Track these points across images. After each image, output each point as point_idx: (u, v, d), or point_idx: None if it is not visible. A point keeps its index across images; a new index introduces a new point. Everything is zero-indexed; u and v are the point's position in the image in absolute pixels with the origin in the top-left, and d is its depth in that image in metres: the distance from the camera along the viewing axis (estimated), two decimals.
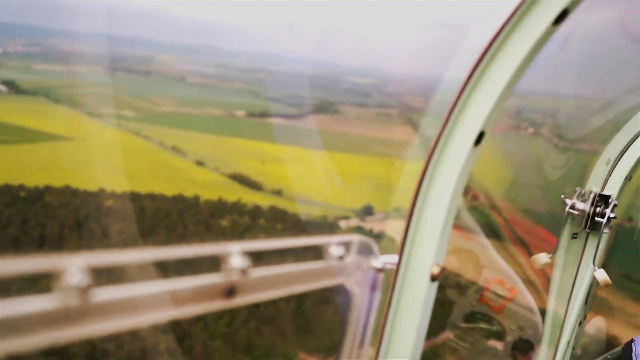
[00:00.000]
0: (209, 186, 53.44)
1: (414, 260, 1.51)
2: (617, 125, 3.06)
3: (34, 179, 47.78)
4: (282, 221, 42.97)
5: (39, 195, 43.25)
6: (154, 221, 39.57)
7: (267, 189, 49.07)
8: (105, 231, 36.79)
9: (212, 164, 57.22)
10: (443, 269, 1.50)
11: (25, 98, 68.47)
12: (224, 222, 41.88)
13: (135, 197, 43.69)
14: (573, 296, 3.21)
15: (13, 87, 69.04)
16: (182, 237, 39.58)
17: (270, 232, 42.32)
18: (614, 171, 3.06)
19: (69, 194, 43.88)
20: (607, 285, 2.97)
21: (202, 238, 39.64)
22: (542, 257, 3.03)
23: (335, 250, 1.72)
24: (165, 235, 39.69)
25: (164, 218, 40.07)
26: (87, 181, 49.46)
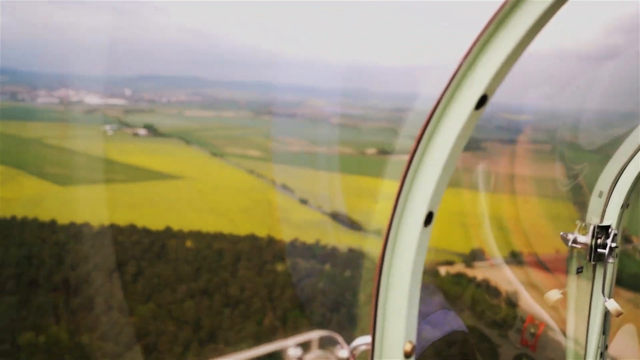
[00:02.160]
0: (303, 226, 46.71)
1: (387, 339, 1.50)
2: (605, 157, 3.13)
3: (116, 217, 44.27)
4: (354, 267, 34.07)
5: (103, 232, 38.77)
6: (197, 263, 32.66)
7: (369, 229, 39.90)
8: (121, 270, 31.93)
9: (317, 202, 51.07)
10: (415, 347, 1.48)
11: (161, 140, 69.97)
12: (279, 267, 33.61)
13: (197, 237, 38.34)
14: (590, 328, 3.13)
15: (152, 131, 71.22)
16: (220, 282, 32.50)
17: (333, 279, 33.58)
18: (609, 202, 3.04)
19: (131, 232, 39.27)
20: (619, 315, 2.98)
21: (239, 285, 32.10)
22: (554, 294, 3.07)
23: (293, 352, 1.82)
24: (203, 280, 32.18)
25: (206, 260, 33.26)
26: (167, 219, 45.87)
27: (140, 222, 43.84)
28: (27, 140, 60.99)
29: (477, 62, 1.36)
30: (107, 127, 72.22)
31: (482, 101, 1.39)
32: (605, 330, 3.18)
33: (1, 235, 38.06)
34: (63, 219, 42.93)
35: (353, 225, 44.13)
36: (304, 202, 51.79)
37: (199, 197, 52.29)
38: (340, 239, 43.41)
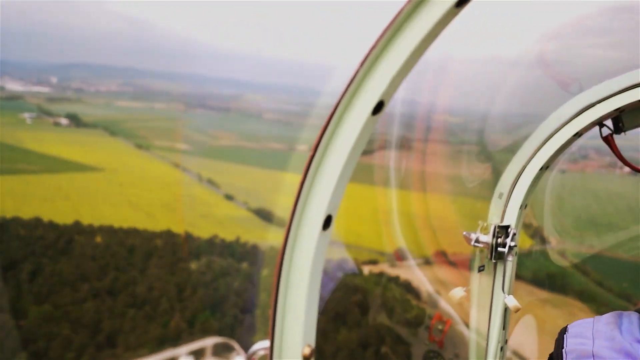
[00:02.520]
0: (225, 222, 45.17)
1: (286, 343, 1.49)
2: (506, 160, 3.28)
3: (29, 211, 41.25)
4: (274, 265, 32.71)
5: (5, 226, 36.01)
6: (105, 260, 30.37)
7: None
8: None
9: (243, 197, 49.73)
10: (314, 350, 1.49)
11: (84, 131, 66.70)
12: (193, 266, 31.91)
13: (108, 232, 36.02)
14: (491, 324, 3.23)
15: (75, 120, 67.90)
16: (127, 280, 30.36)
17: (250, 278, 32.27)
18: (509, 202, 3.16)
19: (34, 226, 36.42)
20: (517, 310, 3.09)
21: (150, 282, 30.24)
22: (458, 292, 3.10)
23: None
24: (108, 279, 29.98)
25: (115, 257, 31.02)
26: (80, 213, 43.12)
27: (47, 216, 41.09)
28: None
29: (374, 68, 1.40)
30: (26, 115, 68.55)
31: (379, 107, 1.43)
32: (505, 325, 3.32)
33: None
34: None
35: (277, 221, 42.82)
36: (229, 197, 50.64)
37: (118, 190, 49.74)
38: (263, 237, 42.16)
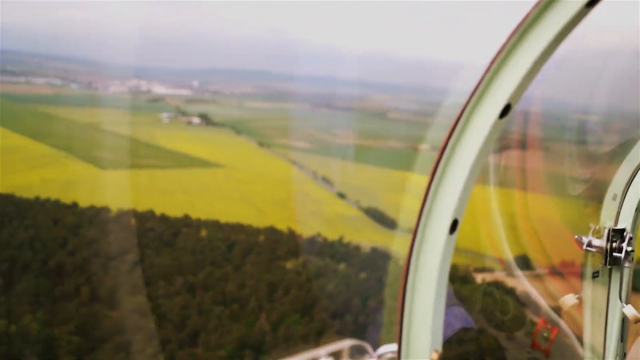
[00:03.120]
0: (333, 221, 43.29)
1: (413, 348, 1.52)
2: (618, 161, 3.13)
3: (146, 203, 43.13)
4: (373, 268, 30.19)
5: (120, 217, 37.72)
6: (203, 255, 30.37)
7: (404, 227, 36.33)
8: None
9: (355, 196, 47.36)
10: (441, 356, 1.51)
11: (213, 129, 69.23)
12: (289, 265, 30.65)
13: (214, 226, 36.28)
14: (607, 335, 3.07)
15: (205, 120, 70.85)
16: (220, 276, 30.00)
17: (346, 280, 30.13)
18: (623, 204, 3.00)
19: (147, 218, 37.74)
20: (637, 321, 2.92)
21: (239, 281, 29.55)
22: (570, 299, 2.98)
23: None
24: (204, 272, 29.85)
25: (213, 252, 30.93)
26: (193, 207, 44.14)
27: (162, 209, 42.11)
28: (84, 125, 61.55)
29: (501, 71, 1.40)
30: (164, 115, 72.40)
31: (506, 110, 1.44)
32: (623, 337, 3.11)
33: (17, 215, 37.49)
34: (85, 201, 42.11)
35: (388, 222, 40.26)
36: (341, 195, 49.02)
37: (234, 186, 50.20)
38: (369, 237, 39.70)
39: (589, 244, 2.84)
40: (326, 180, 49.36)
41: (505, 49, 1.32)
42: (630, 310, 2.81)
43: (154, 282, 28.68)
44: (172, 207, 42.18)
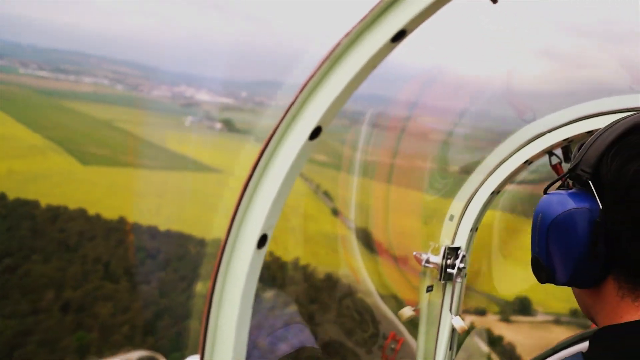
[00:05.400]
0: (311, 240, 35.90)
1: (216, 358, 1.55)
2: (457, 184, 3.43)
3: (96, 202, 37.84)
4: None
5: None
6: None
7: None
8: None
9: (351, 214, 39.10)
10: None
11: (233, 135, 65.26)
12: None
13: (148, 233, 31.29)
14: (438, 344, 3.32)
15: (228, 126, 67.26)
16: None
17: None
18: (460, 225, 3.26)
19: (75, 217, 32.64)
20: (463, 332, 3.19)
21: None
22: (407, 311, 3.21)
23: None
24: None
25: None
26: (157, 212, 39.22)
27: (109, 210, 36.75)
28: (96, 121, 57.28)
29: (313, 94, 1.46)
30: (187, 119, 67.74)
31: (316, 132, 1.49)
32: (452, 345, 3.29)
33: None
34: (41, 196, 37.19)
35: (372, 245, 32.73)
36: (335, 212, 40.67)
37: (220, 192, 43.54)
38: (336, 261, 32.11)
39: (427, 261, 3.06)
40: (326, 195, 42.70)
41: (317, 74, 1.40)
42: (457, 322, 3.10)
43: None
44: (125, 209, 36.35)
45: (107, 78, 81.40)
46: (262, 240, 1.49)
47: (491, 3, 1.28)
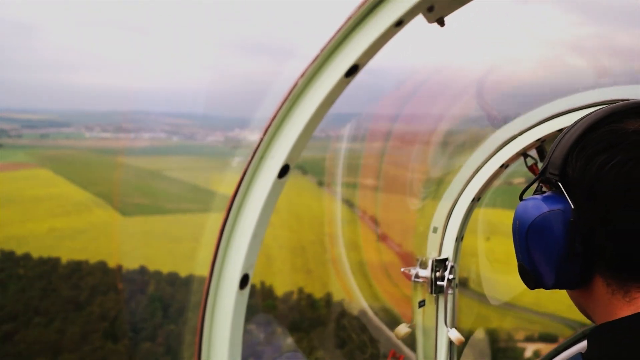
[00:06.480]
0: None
1: None
2: (437, 196, 3.36)
3: (136, 254, 36.96)
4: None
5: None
6: None
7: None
8: None
9: (399, 238, 35.50)
10: None
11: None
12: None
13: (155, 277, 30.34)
14: (437, 357, 3.30)
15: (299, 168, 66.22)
16: None
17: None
18: (445, 236, 3.23)
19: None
20: (460, 343, 3.14)
21: None
22: (403, 328, 3.16)
23: None
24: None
25: None
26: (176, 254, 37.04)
27: (138, 260, 35.25)
28: (144, 172, 57.17)
29: (278, 133, 1.47)
30: (235, 160, 66.37)
31: (285, 170, 1.51)
32: (451, 358, 3.27)
33: None
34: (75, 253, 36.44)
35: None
36: (383, 238, 37.22)
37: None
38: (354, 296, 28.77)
39: (416, 275, 3.03)
40: (374, 220, 39.29)
41: (280, 114, 1.41)
42: (454, 334, 3.04)
43: None
44: (152, 256, 34.89)
45: (163, 131, 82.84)
46: (244, 281, 1.48)
47: (438, 26, 1.29)
